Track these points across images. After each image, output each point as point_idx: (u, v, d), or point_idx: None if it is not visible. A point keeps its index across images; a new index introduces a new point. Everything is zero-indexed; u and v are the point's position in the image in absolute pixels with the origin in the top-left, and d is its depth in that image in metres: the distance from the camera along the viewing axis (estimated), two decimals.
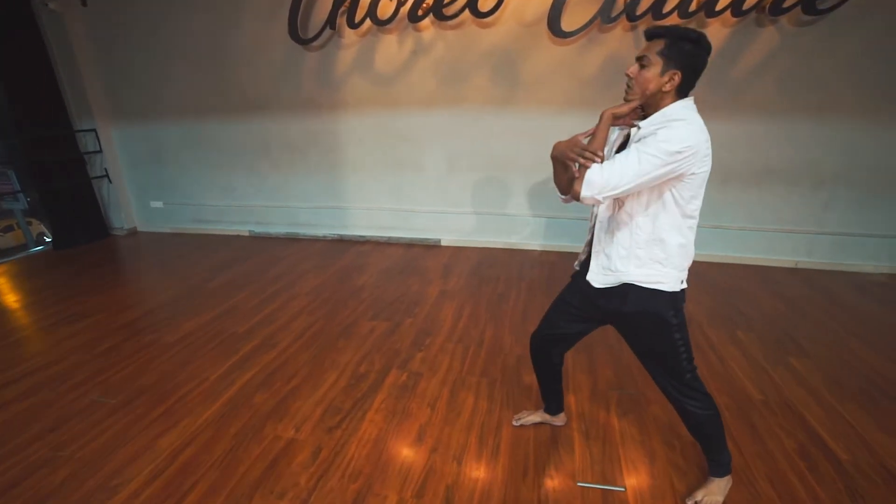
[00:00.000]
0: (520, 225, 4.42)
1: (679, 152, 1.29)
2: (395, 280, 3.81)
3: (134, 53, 4.70)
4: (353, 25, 3.90)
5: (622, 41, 3.66)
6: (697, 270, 3.88)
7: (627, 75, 1.41)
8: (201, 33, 4.44)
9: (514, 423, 2.16)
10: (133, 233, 5.48)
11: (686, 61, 1.35)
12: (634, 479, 1.85)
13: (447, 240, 4.63)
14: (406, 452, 2.00)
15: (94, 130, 4.89)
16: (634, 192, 1.39)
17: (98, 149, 4.95)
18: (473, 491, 1.80)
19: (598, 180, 1.34)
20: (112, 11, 4.58)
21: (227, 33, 4.39)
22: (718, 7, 3.30)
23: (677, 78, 1.35)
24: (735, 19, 3.40)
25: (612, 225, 1.53)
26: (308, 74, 4.34)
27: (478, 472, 1.90)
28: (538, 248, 4.44)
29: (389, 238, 4.74)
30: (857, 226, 3.82)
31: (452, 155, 4.33)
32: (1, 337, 3.09)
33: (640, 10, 3.41)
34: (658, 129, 1.33)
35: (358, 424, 2.17)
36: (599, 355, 2.68)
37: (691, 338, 2.50)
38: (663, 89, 1.37)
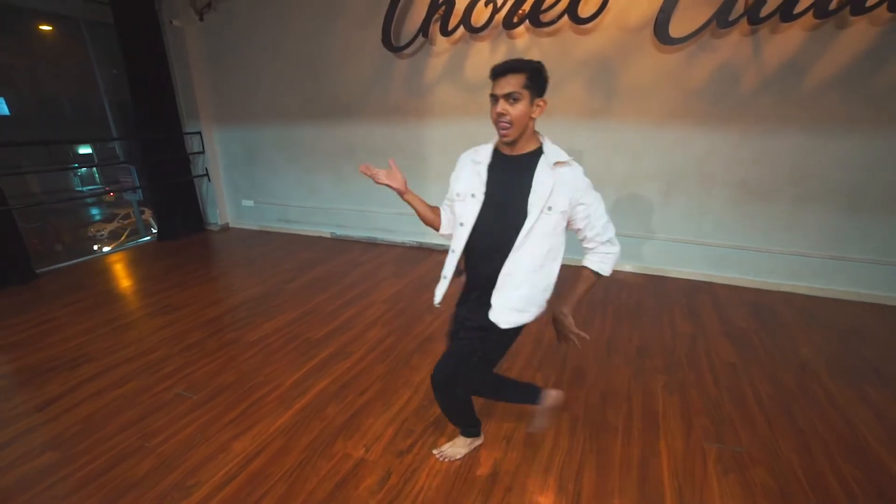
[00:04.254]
0: None
1: None
2: None
3: (238, 62, 4.99)
4: (445, 33, 3.84)
5: (738, 47, 3.29)
6: (808, 306, 3.41)
7: (501, 113, 1.46)
8: (296, 41, 4.62)
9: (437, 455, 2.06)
10: (225, 228, 5.81)
11: (544, 89, 1.49)
12: None
13: None
14: (479, 489, 1.85)
15: (199, 133, 5.26)
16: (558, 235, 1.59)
17: (202, 150, 5.31)
18: None
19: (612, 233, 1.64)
20: (223, 26, 4.90)
21: (320, 41, 4.52)
22: (870, 3, 2.83)
23: (544, 105, 1.49)
24: (891, 14, 2.90)
25: (537, 265, 1.58)
26: (397, 81, 4.35)
27: None
28: (622, 270, 4.11)
29: None
30: None
31: None
32: (109, 321, 3.33)
33: (765, 10, 3.03)
34: (570, 166, 1.55)
35: (429, 451, 2.04)
36: (694, 400, 2.38)
37: (808, 387, 2.14)
38: (532, 116, 1.49)
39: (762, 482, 1.88)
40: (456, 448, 2.02)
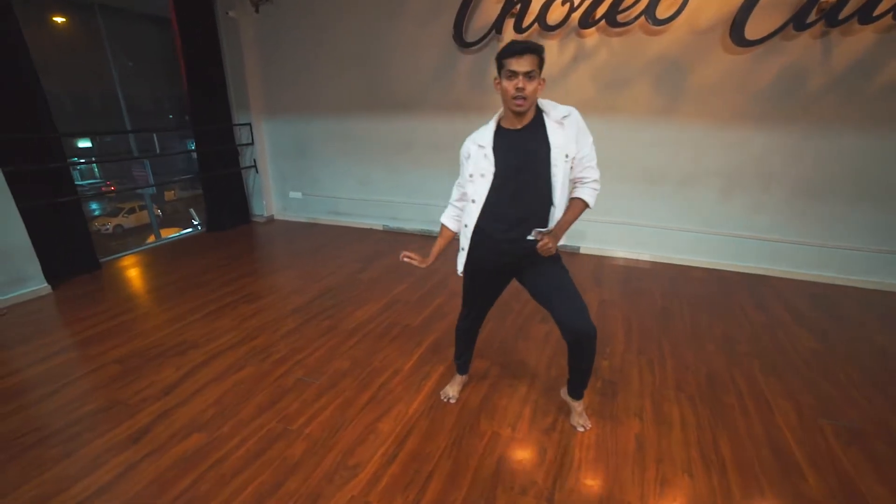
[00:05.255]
0: (664, 238, 4.27)
1: None
2: None
3: (293, 54, 5.01)
4: (519, 30, 3.92)
5: (807, 49, 3.44)
6: (865, 298, 3.60)
7: (521, 88, 1.62)
8: (355, 35, 4.66)
9: (445, 399, 2.34)
10: (270, 220, 5.81)
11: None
12: None
13: (586, 248, 4.55)
14: (633, 461, 1.96)
15: (249, 124, 5.24)
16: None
17: (251, 141, 5.30)
18: None
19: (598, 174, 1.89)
20: (279, 17, 4.91)
21: (380, 35, 4.57)
22: None
23: (544, 83, 1.70)
24: None
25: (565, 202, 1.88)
26: (461, 77, 4.42)
27: (713, 486, 1.84)
28: (682, 264, 4.26)
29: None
30: None
31: (601, 163, 4.23)
32: (194, 310, 3.33)
33: (844, 13, 3.18)
34: (571, 115, 1.77)
35: (571, 428, 2.14)
36: (791, 381, 2.53)
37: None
38: (539, 93, 1.69)
39: (884, 454, 2.02)
40: (584, 415, 2.17)
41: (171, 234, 6.59)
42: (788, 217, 3.85)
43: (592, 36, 3.89)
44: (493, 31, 4.03)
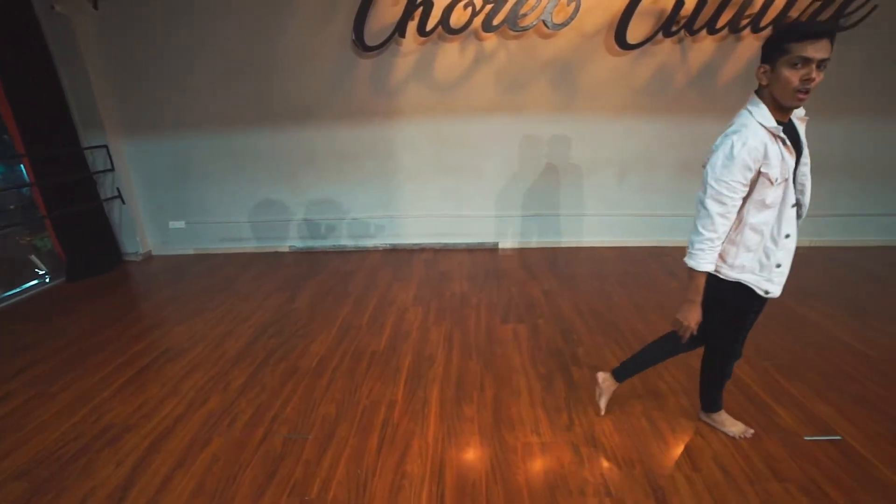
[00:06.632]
0: (573, 224, 4.64)
1: None
2: (489, 283, 3.85)
3: (154, 62, 4.23)
4: (424, 33, 3.87)
5: (671, 53, 4.02)
6: None
7: (811, 79, 1.35)
8: (237, 41, 4.13)
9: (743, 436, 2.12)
10: (149, 258, 4.89)
11: None
12: (850, 427, 2.13)
13: (505, 243, 4.73)
14: (651, 435, 2.12)
15: (106, 147, 4.31)
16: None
17: (110, 167, 4.36)
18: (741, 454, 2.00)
19: None
20: (128, 16, 4.10)
21: (268, 41, 4.12)
22: (763, 23, 3.76)
23: None
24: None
25: None
26: (361, 82, 4.21)
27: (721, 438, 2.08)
28: (597, 245, 4.68)
29: (446, 244, 4.73)
30: None
31: (509, 160, 4.45)
32: (103, 381, 2.68)
33: (697, 24, 3.78)
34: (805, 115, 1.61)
35: (591, 419, 2.23)
36: None
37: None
38: None
39: (813, 379, 2.47)
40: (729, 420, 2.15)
41: None
42: (673, 194, 4.48)
43: (491, 39, 4.03)
44: (396, 34, 3.92)
